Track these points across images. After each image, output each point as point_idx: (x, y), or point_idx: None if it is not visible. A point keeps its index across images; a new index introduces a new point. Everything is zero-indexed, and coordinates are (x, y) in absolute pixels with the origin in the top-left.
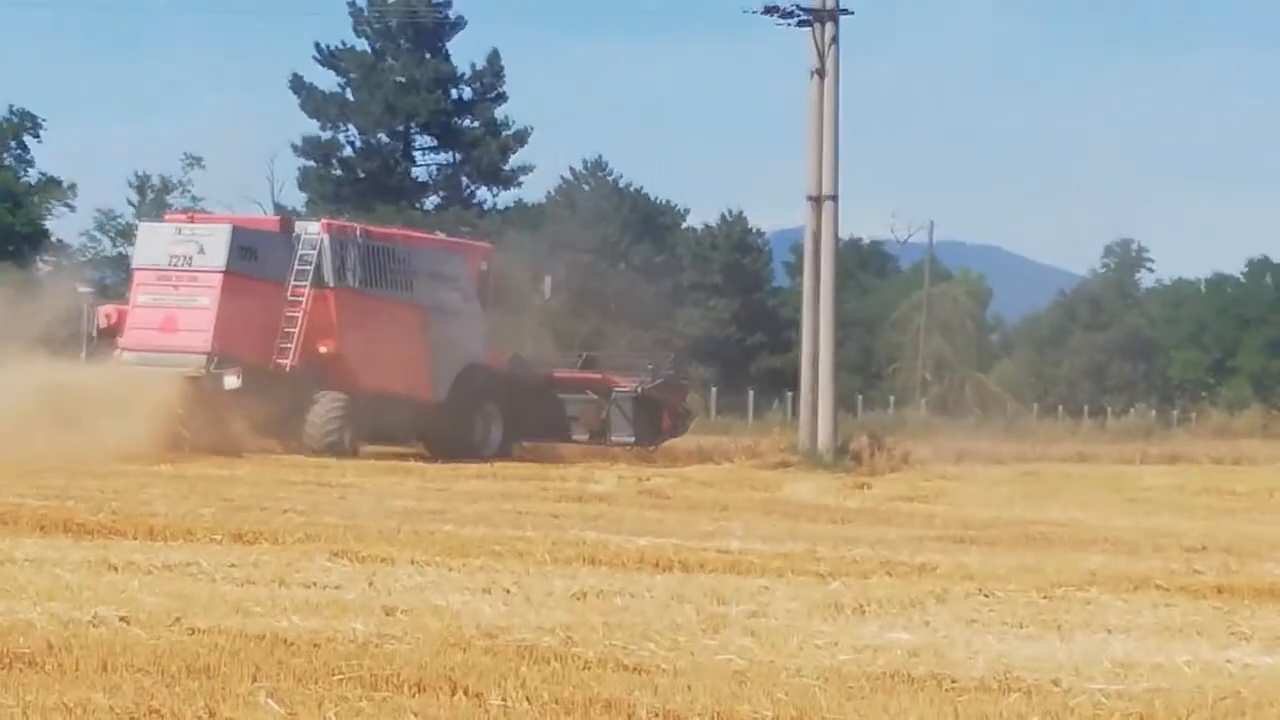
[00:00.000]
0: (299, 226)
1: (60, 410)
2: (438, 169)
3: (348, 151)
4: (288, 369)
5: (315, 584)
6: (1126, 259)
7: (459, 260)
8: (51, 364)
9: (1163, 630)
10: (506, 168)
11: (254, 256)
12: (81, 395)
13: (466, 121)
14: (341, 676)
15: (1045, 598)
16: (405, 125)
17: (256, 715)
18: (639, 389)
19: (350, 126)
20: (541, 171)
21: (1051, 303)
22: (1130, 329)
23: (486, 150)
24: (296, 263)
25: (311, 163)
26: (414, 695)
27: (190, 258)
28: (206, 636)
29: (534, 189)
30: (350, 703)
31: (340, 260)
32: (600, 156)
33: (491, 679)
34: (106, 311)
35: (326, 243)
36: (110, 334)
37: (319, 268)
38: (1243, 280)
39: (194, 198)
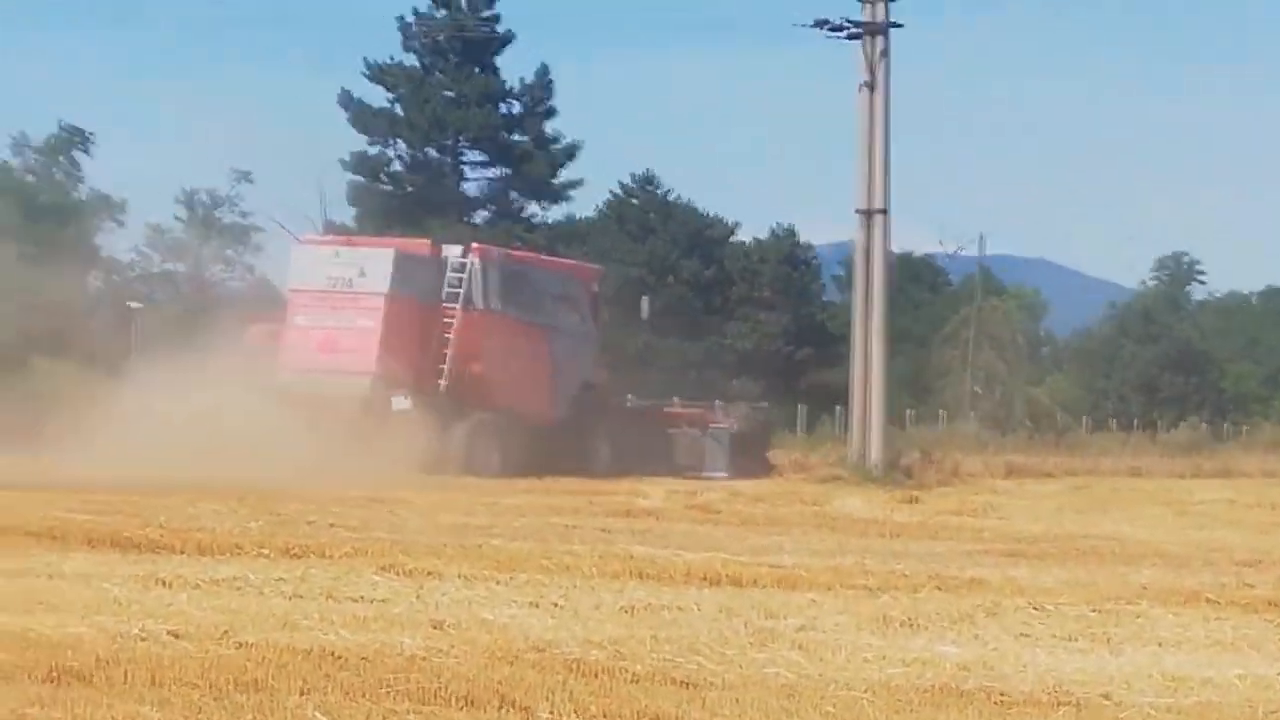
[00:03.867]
0: (446, 249)
1: (235, 434)
2: (487, 183)
3: (396, 166)
4: (442, 390)
5: (363, 598)
6: (1178, 272)
7: (576, 282)
8: (219, 387)
9: (1213, 644)
10: (556, 182)
11: (412, 281)
12: (248, 418)
13: (515, 136)
14: (390, 690)
15: (1095, 611)
16: (454, 140)
17: None
18: (734, 427)
19: (399, 141)
20: (591, 186)
21: (1102, 316)
22: (1182, 342)
23: (536, 165)
24: (446, 285)
25: (360, 178)
26: (463, 709)
27: (351, 280)
28: (255, 651)
29: (584, 203)
30: (399, 716)
31: (486, 283)
32: (649, 170)
33: (540, 693)
34: (256, 330)
35: (477, 266)
36: (256, 353)
37: (469, 290)
38: None
39: (243, 213)
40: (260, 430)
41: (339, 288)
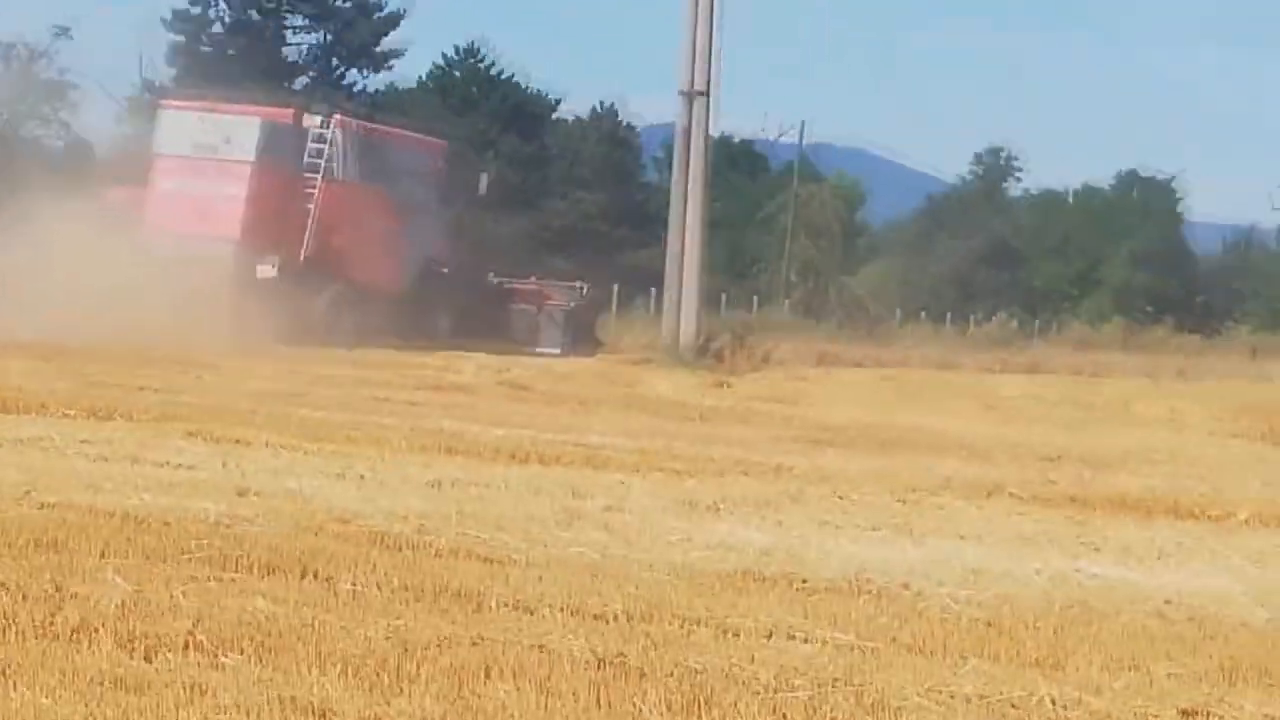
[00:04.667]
0: (307, 119)
1: (100, 294)
2: (308, 49)
3: (217, 28)
4: (301, 260)
5: (169, 463)
6: (996, 167)
7: (424, 155)
8: (92, 244)
9: (1014, 538)
10: (379, 50)
11: (277, 149)
12: (117, 278)
13: (339, 1)
14: (191, 556)
15: (900, 502)
16: (277, 3)
17: (103, 591)
18: (569, 304)
19: (221, 2)
20: (414, 55)
21: (919, 208)
22: (996, 237)
23: (359, 31)
24: (308, 155)
25: (181, 38)
26: (264, 577)
27: (217, 146)
28: (56, 511)
29: (406, 73)
30: (199, 582)
31: (346, 154)
32: (473, 42)
33: (343, 563)
34: (117, 193)
35: (339, 137)
36: (119, 215)
37: (330, 161)
38: (1110, 193)
39: (60, 70)
40: (122, 293)
41: (205, 154)
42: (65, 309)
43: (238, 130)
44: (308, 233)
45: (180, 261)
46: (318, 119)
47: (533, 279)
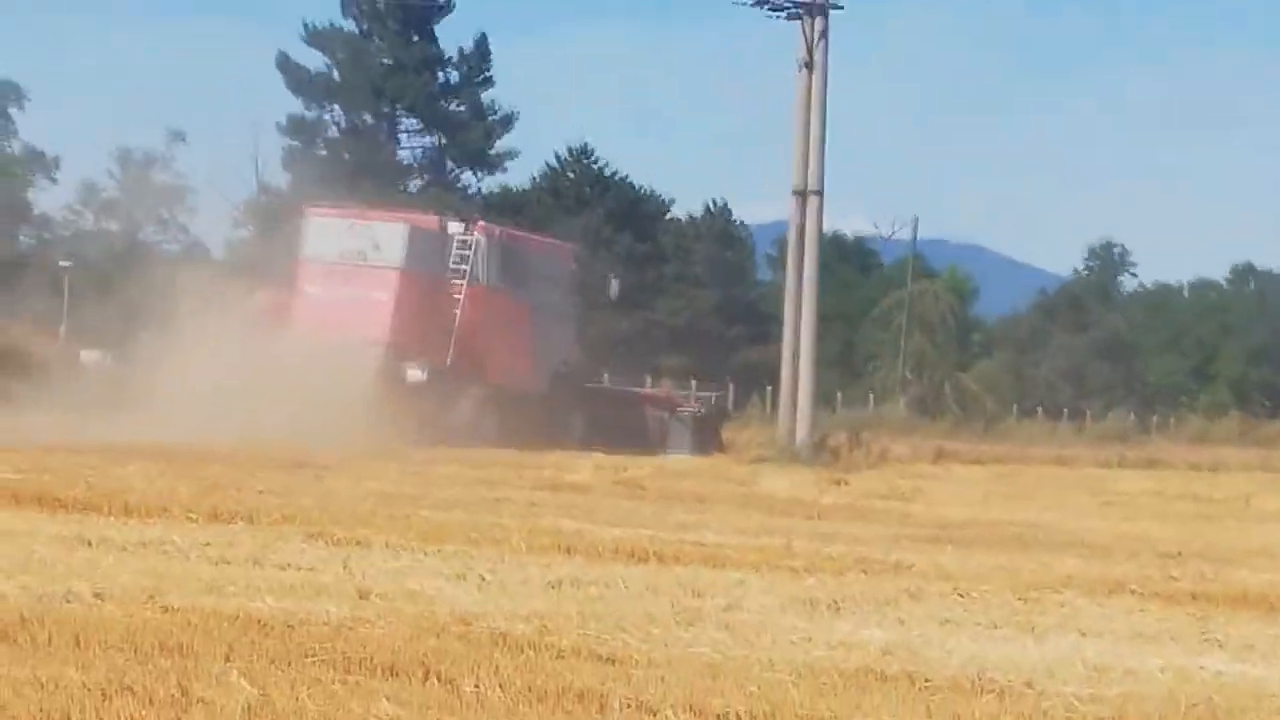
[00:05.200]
0: (451, 225)
1: (246, 397)
2: (422, 151)
3: (332, 132)
4: (447, 364)
5: (290, 565)
6: (1109, 261)
7: (558, 260)
8: (235, 347)
9: (1136, 635)
10: (492, 152)
11: (422, 255)
12: (265, 381)
13: (453, 105)
14: (315, 659)
15: (1020, 599)
16: (391, 107)
17: (229, 695)
18: (699, 410)
19: (336, 107)
20: (527, 157)
21: (1033, 303)
22: (1111, 331)
23: (472, 134)
24: (451, 260)
25: (296, 142)
26: (387, 679)
27: (365, 252)
28: (180, 615)
29: (519, 175)
30: (323, 685)
31: (489, 259)
32: (586, 144)
33: (465, 665)
34: (265, 297)
35: (482, 243)
36: (266, 320)
37: (474, 266)
38: (1225, 286)
39: (177, 173)
40: (270, 395)
41: (352, 260)
42: (211, 411)
43: (385, 237)
44: (453, 337)
45: (329, 365)
46: (461, 225)
47: (664, 386)
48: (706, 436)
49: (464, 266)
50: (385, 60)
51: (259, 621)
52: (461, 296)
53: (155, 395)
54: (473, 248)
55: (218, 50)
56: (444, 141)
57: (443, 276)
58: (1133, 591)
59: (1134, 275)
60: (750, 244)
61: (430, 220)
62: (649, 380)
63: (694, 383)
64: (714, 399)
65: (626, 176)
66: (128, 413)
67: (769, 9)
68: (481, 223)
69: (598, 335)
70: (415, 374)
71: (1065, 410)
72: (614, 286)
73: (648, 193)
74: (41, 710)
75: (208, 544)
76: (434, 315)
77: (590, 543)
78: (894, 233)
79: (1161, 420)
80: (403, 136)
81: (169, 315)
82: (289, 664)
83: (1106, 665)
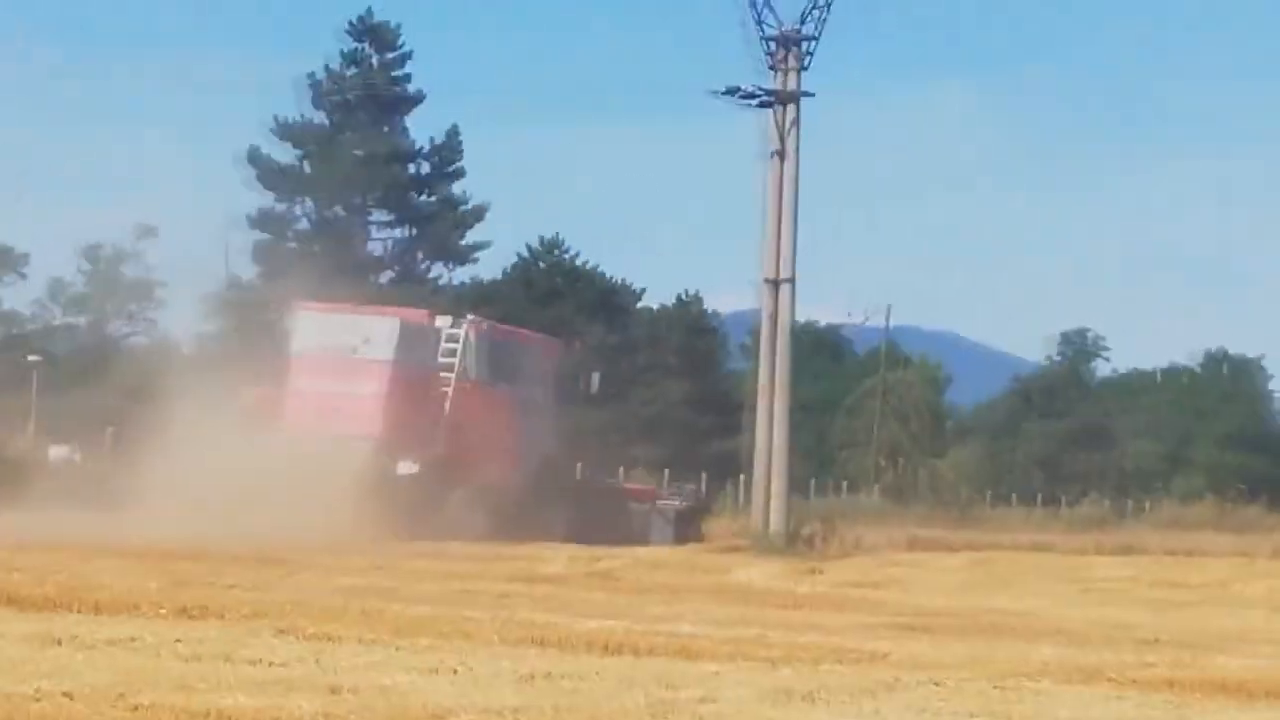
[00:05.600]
0: (439, 320)
1: (233, 492)
2: (393, 243)
3: (303, 224)
4: (438, 457)
5: (261, 661)
6: (1083, 348)
7: (544, 355)
8: (221, 442)
9: None
10: (463, 244)
11: (412, 349)
12: (252, 477)
13: (423, 196)
14: None
15: (996, 688)
16: (362, 199)
17: None
18: (680, 502)
19: (306, 199)
20: (498, 249)
21: (1006, 390)
22: (1085, 418)
23: (442, 226)
24: (441, 355)
25: (266, 235)
26: None
27: (355, 347)
28: (150, 713)
29: (490, 266)
30: None
31: (478, 354)
32: (556, 234)
33: None
34: (257, 393)
35: (471, 337)
36: (254, 415)
37: (463, 361)
38: (1199, 372)
39: (147, 268)
40: (258, 490)
41: (343, 354)
42: (196, 508)
43: (375, 330)
44: (442, 430)
45: (319, 459)
46: (449, 319)
47: (643, 481)
48: (688, 528)
49: (452, 360)
50: (356, 152)
51: (229, 719)
52: (450, 390)
53: (137, 492)
54: (461, 342)
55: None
56: (414, 233)
57: (432, 371)
58: (1109, 679)
59: (1107, 360)
60: (722, 333)
61: (420, 315)
62: (622, 472)
63: (666, 474)
64: (694, 491)
65: (598, 267)
66: (102, 510)
67: (740, 97)
68: (470, 317)
69: (571, 426)
70: (407, 467)
71: (1040, 496)
72: (594, 381)
73: (619, 283)
74: None
75: (178, 640)
76: (423, 409)
77: (564, 635)
78: (866, 320)
79: (1137, 506)
80: (373, 228)
81: (145, 411)
82: None
83: None
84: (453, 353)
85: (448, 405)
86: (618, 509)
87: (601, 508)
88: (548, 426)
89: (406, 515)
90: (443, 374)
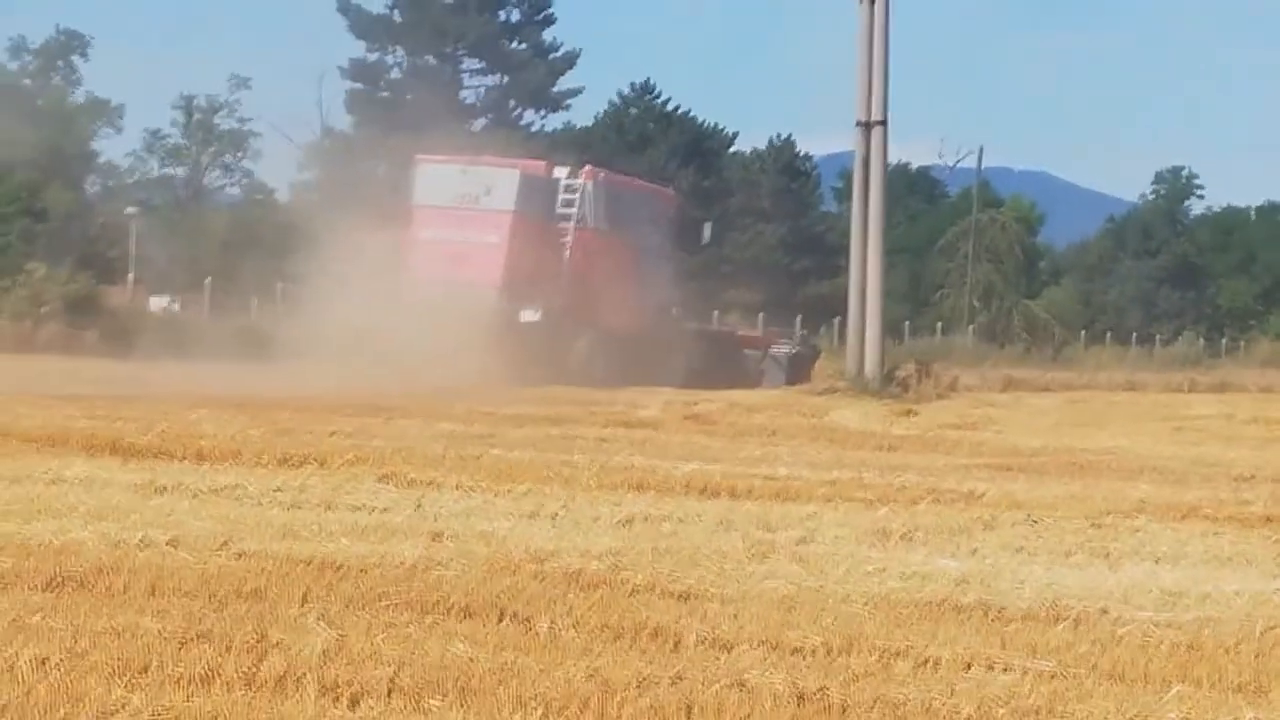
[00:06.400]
0: (557, 170)
1: (369, 343)
2: (485, 91)
3: (395, 74)
4: (559, 305)
5: (363, 507)
6: (1176, 186)
7: (659, 205)
8: (356, 295)
9: (1211, 560)
10: (554, 91)
11: (533, 200)
12: (385, 327)
13: (514, 44)
14: (390, 601)
15: (1093, 526)
16: (453, 47)
17: (306, 639)
18: (792, 349)
19: (398, 49)
20: (589, 95)
21: (1100, 229)
22: (1179, 256)
23: (534, 73)
24: (560, 205)
25: (359, 85)
26: (462, 620)
27: (477, 197)
28: (254, 560)
29: (582, 113)
30: (399, 628)
31: (596, 204)
32: (648, 80)
33: (539, 605)
34: (374, 240)
35: (590, 189)
36: (380, 265)
37: (582, 211)
38: None
39: (240, 119)
40: (383, 337)
41: (465, 204)
42: (324, 355)
43: (497, 182)
44: (563, 279)
45: (443, 307)
46: (566, 170)
47: (758, 328)
48: (799, 373)
49: (571, 210)
50: (446, 1)
51: (334, 565)
52: (569, 240)
53: (253, 342)
54: (579, 192)
55: None
56: (506, 81)
57: (552, 221)
58: (1206, 516)
59: (1201, 199)
60: (815, 176)
61: (539, 165)
62: (716, 315)
63: (761, 318)
64: (805, 337)
65: (690, 112)
66: (204, 360)
67: None
68: (588, 167)
69: (686, 274)
70: (529, 315)
71: (1134, 336)
72: (707, 230)
73: (711, 128)
74: (120, 659)
75: (279, 489)
76: (544, 258)
77: (661, 479)
78: (959, 161)
79: (1231, 344)
80: (465, 77)
81: (250, 263)
82: (364, 607)
83: (1182, 590)
84: (571, 203)
85: (567, 254)
86: (733, 355)
87: (717, 354)
88: (665, 275)
89: (529, 362)
90: (562, 224)
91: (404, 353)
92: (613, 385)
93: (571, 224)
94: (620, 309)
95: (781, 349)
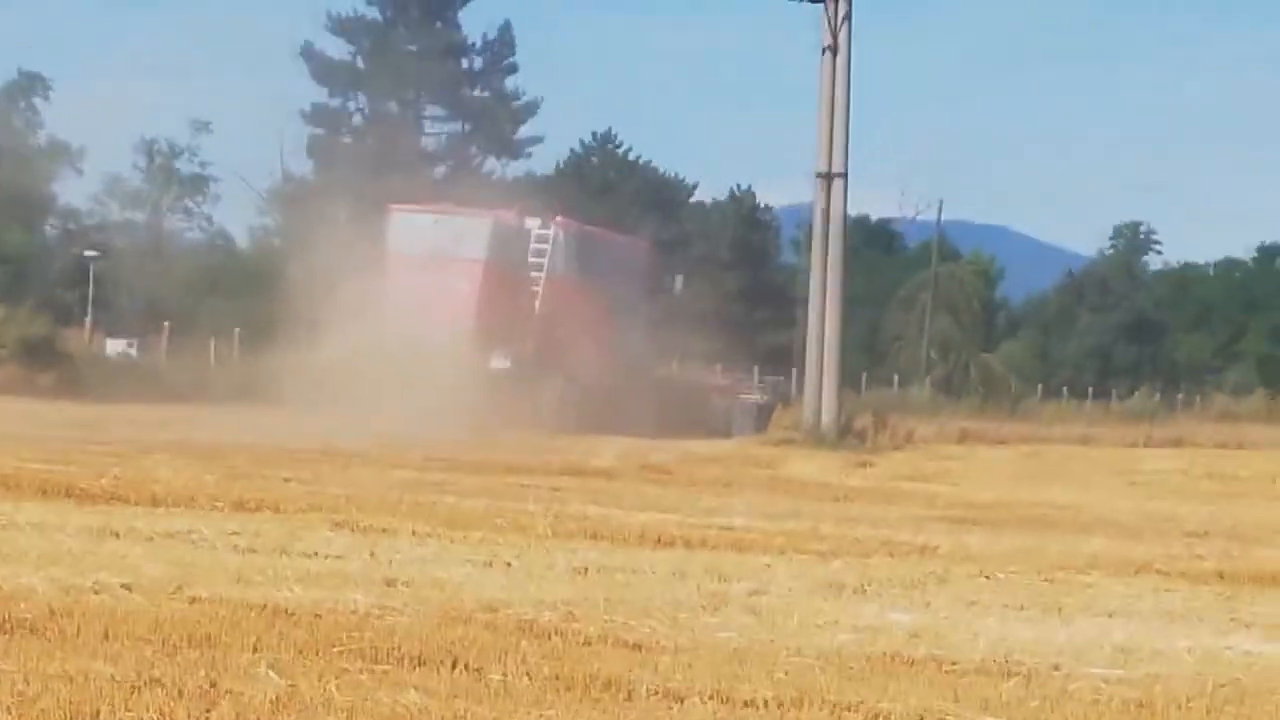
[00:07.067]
0: (529, 220)
1: (335, 388)
2: (446, 138)
3: (357, 120)
4: (529, 352)
5: (316, 554)
6: (1135, 241)
7: (632, 256)
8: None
9: (1163, 615)
10: (516, 138)
11: (504, 248)
12: (354, 373)
13: (477, 91)
14: (342, 649)
15: (1046, 580)
16: (415, 94)
17: (258, 687)
18: (761, 397)
19: (360, 95)
20: (551, 143)
21: (1058, 283)
22: (1137, 311)
23: (496, 120)
24: (532, 255)
25: (320, 130)
26: (415, 669)
27: (447, 247)
28: (208, 606)
29: (544, 160)
30: (351, 675)
31: (567, 253)
32: (610, 129)
33: (492, 654)
34: (345, 289)
35: (562, 238)
36: (353, 313)
37: (553, 259)
38: (1251, 265)
39: (202, 163)
40: (358, 385)
41: (437, 252)
42: (286, 400)
43: (469, 231)
44: (534, 326)
45: (414, 353)
46: (538, 220)
47: (727, 375)
48: (768, 422)
49: (543, 259)
50: (409, 47)
51: (286, 611)
52: (540, 288)
53: (209, 387)
54: (551, 241)
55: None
56: (468, 128)
57: (523, 269)
58: (1159, 571)
59: (1159, 254)
60: (775, 227)
61: (511, 215)
62: (674, 365)
63: (719, 369)
64: (775, 384)
65: (650, 161)
66: (159, 404)
67: None
68: (559, 218)
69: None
70: (500, 362)
71: (1090, 390)
72: (678, 282)
73: (672, 177)
74: (70, 704)
75: (234, 533)
76: (515, 306)
77: (616, 528)
78: (918, 214)
79: (1187, 399)
80: (426, 123)
81: (211, 307)
82: (317, 654)
83: (1134, 646)
84: (543, 252)
85: (539, 303)
86: (701, 403)
87: (685, 402)
88: (634, 323)
89: (499, 409)
90: (533, 273)
91: (373, 398)
92: (583, 432)
93: (543, 273)
94: (591, 357)
95: (750, 397)
